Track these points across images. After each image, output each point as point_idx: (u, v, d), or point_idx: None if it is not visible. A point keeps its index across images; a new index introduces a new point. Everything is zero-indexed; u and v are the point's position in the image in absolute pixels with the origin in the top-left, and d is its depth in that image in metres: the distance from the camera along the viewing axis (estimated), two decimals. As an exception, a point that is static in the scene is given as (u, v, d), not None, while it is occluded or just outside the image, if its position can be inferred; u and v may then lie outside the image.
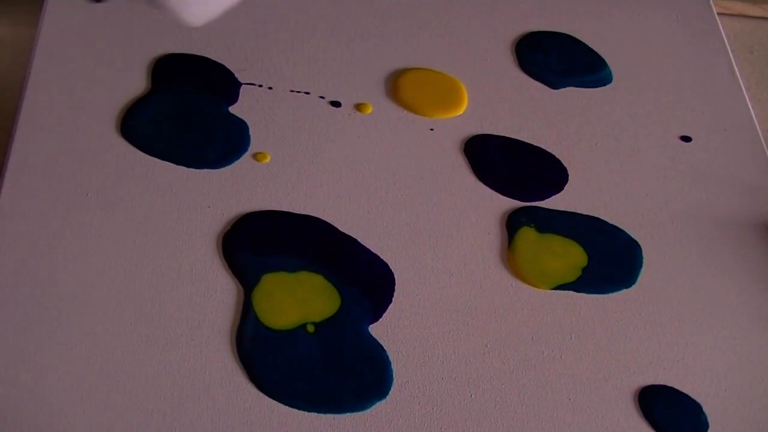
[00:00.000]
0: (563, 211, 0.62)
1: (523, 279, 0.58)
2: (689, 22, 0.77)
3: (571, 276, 0.58)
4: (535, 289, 0.57)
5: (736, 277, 0.60)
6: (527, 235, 0.60)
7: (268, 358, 0.52)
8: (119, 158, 0.61)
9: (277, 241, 0.58)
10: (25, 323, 0.52)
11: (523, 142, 0.66)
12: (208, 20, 0.52)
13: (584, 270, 0.59)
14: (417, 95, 0.67)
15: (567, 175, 0.64)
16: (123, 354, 0.51)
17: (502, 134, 0.66)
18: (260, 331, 0.53)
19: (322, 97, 0.67)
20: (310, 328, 0.53)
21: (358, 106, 0.66)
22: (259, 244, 0.57)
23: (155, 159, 0.61)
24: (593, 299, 0.57)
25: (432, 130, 0.66)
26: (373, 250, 0.58)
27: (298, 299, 0.55)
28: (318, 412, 0.50)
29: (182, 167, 0.61)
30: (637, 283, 0.59)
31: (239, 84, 0.66)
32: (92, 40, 0.67)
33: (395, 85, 0.68)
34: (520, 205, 0.62)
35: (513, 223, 0.61)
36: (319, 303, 0.55)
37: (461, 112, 0.67)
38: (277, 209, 0.59)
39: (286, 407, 0.50)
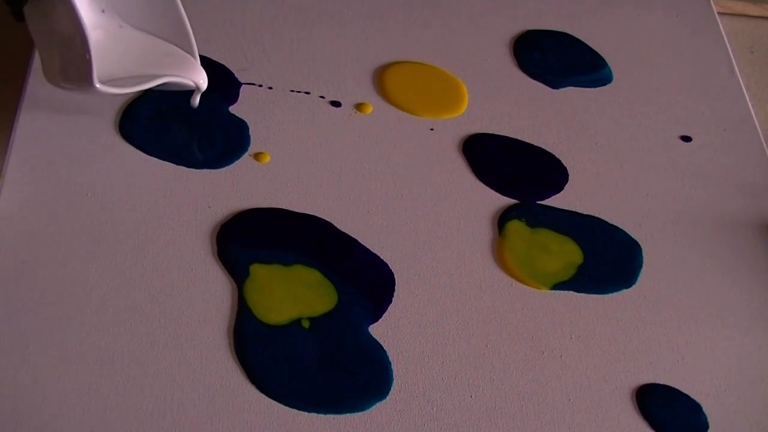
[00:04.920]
0: (556, 208, 0.62)
1: (514, 274, 0.58)
2: (689, 21, 0.77)
3: (566, 274, 0.58)
4: (535, 289, 0.57)
5: (736, 277, 0.60)
6: (516, 227, 0.60)
7: (264, 355, 0.52)
8: (119, 158, 0.61)
9: (272, 236, 0.58)
10: (25, 323, 0.52)
11: (523, 141, 0.66)
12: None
13: (580, 268, 0.59)
14: (417, 97, 0.67)
15: (567, 175, 0.64)
16: (122, 354, 0.51)
17: (503, 134, 0.66)
18: (256, 327, 0.53)
19: (322, 97, 0.67)
20: (305, 324, 0.53)
21: (358, 106, 0.66)
22: (253, 238, 0.57)
23: (155, 159, 0.61)
24: (593, 299, 0.57)
25: (432, 129, 0.66)
26: (372, 250, 0.58)
27: (293, 293, 0.55)
28: (318, 412, 0.50)
29: (182, 167, 0.61)
30: (637, 283, 0.59)
31: (239, 84, 0.66)
32: (92, 40, 0.67)
33: (392, 89, 0.68)
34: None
35: (503, 217, 0.61)
36: (315, 298, 0.55)
37: (461, 113, 0.67)
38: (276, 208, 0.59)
39: (286, 407, 0.50)
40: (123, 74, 0.57)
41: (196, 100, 0.61)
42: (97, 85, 0.54)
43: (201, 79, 0.60)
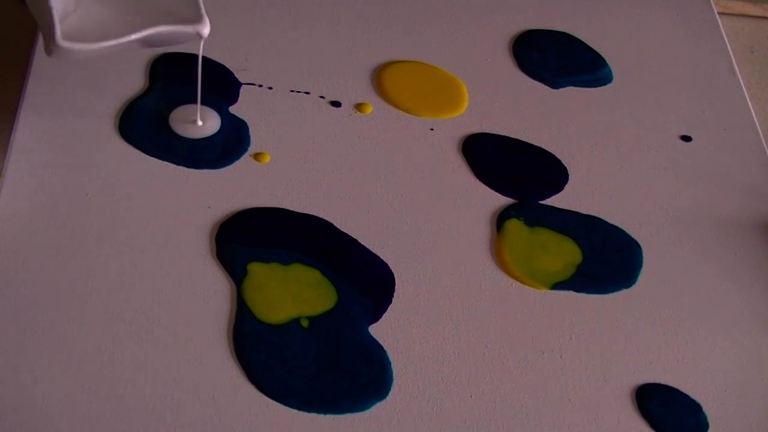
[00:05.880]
0: (555, 207, 0.62)
1: (513, 273, 0.58)
2: (689, 21, 0.77)
3: (566, 273, 0.58)
4: (535, 288, 0.57)
5: (736, 277, 0.60)
6: (514, 226, 0.60)
7: (263, 355, 0.52)
8: (119, 158, 0.61)
9: (270, 235, 0.57)
10: (25, 323, 0.52)
11: (523, 141, 0.66)
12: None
13: (579, 267, 0.59)
14: (416, 97, 0.67)
15: (567, 175, 0.64)
16: (122, 354, 0.51)
17: (502, 134, 0.66)
18: (255, 327, 0.53)
19: (322, 97, 0.67)
20: (304, 323, 0.53)
21: (358, 106, 0.66)
22: (251, 237, 0.57)
23: (155, 159, 0.61)
24: (593, 299, 0.57)
25: (432, 129, 0.66)
26: (372, 250, 0.58)
27: (292, 292, 0.55)
28: (318, 412, 0.50)
29: (182, 167, 0.61)
30: (637, 283, 0.59)
31: (239, 84, 0.66)
32: (92, 40, 0.67)
33: (392, 89, 0.68)
34: (520, 205, 0.62)
35: (502, 216, 0.61)
36: (314, 297, 0.55)
37: (461, 113, 0.67)
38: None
39: (286, 407, 0.50)
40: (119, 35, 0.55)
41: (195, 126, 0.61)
42: (61, 44, 0.52)
43: (204, 27, 0.56)
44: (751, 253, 0.61)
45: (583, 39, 0.74)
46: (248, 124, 0.64)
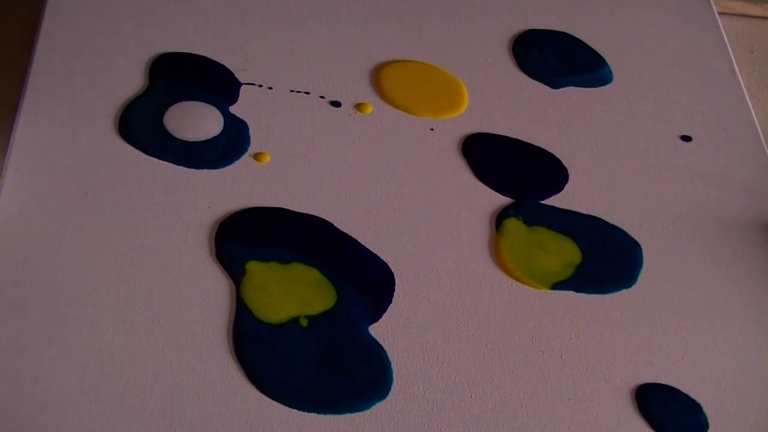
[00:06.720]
0: (554, 207, 0.62)
1: (512, 273, 0.58)
2: (689, 21, 0.77)
3: (565, 273, 0.58)
4: (534, 288, 0.57)
5: (736, 277, 0.60)
6: (513, 226, 0.60)
7: (263, 355, 0.52)
8: (119, 158, 0.61)
9: (270, 234, 0.57)
10: (25, 323, 0.52)
11: (523, 141, 0.66)
12: None
13: (578, 267, 0.59)
14: (416, 96, 0.67)
15: (567, 175, 0.64)
16: (122, 354, 0.51)
17: (503, 134, 0.66)
18: (255, 326, 0.53)
19: (322, 97, 0.67)
20: (304, 322, 0.53)
21: (359, 106, 0.66)
22: (250, 236, 0.57)
23: (155, 159, 0.61)
24: (593, 299, 0.57)
25: (432, 129, 0.66)
26: (372, 250, 0.58)
27: (291, 291, 0.55)
28: (317, 412, 0.50)
29: (182, 167, 0.61)
30: (637, 283, 0.59)
31: (239, 84, 0.66)
32: (92, 39, 0.67)
33: (392, 89, 0.68)
34: (520, 205, 0.62)
35: (501, 216, 0.61)
36: (314, 297, 0.55)
37: (461, 113, 0.67)
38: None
39: (286, 407, 0.50)
40: None
41: None
42: None
43: None
44: (751, 253, 0.61)
45: (583, 39, 0.74)
46: (248, 124, 0.64)
